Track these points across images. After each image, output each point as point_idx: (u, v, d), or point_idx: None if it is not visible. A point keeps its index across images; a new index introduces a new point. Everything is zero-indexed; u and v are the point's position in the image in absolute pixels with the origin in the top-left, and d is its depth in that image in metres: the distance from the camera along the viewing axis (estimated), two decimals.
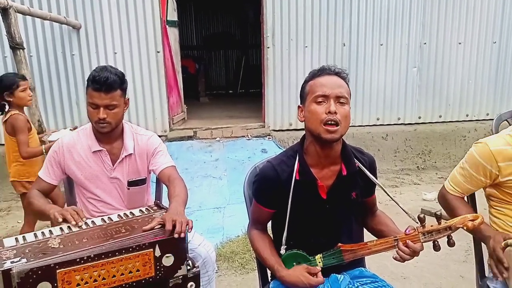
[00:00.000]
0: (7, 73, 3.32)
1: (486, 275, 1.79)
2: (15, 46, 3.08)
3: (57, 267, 1.34)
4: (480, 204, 1.87)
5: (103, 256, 1.41)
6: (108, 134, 2.00)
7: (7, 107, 2.90)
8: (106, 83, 1.86)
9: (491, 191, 1.71)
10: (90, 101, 1.90)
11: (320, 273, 1.48)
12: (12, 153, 2.92)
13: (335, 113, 1.43)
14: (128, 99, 2.04)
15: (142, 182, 2.13)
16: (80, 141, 2.03)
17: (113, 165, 2.04)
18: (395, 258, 1.44)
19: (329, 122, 1.43)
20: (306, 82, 1.55)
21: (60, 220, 1.70)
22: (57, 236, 1.55)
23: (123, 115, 2.00)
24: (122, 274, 1.45)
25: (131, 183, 2.08)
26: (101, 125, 1.92)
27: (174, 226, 1.53)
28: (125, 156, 2.04)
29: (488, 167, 1.61)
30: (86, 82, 1.93)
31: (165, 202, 2.07)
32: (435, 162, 5.32)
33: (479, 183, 1.68)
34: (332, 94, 1.45)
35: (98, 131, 1.98)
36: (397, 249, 1.43)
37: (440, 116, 5.52)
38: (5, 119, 2.86)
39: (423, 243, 1.42)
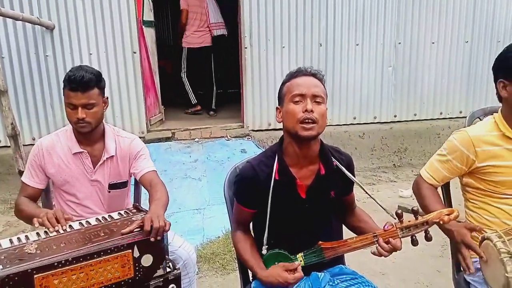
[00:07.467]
0: None
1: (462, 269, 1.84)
2: None
3: (34, 272, 1.32)
4: (455, 200, 1.92)
5: (81, 259, 1.39)
6: (89, 136, 1.97)
7: None
8: (82, 82, 1.84)
9: (468, 180, 1.76)
10: (68, 101, 1.87)
11: (299, 268, 1.49)
12: None
13: (312, 111, 1.45)
14: (107, 98, 2.02)
15: (123, 185, 2.10)
16: (60, 143, 1.99)
17: (94, 167, 2.01)
18: (373, 253, 1.47)
19: (306, 120, 1.45)
20: (283, 83, 1.58)
21: (37, 225, 1.67)
22: (33, 241, 1.52)
23: (103, 114, 1.97)
24: (101, 276, 1.44)
25: (112, 186, 2.05)
26: (81, 125, 1.89)
27: (152, 228, 1.52)
28: (107, 158, 2.02)
29: (466, 152, 1.67)
30: (62, 84, 1.90)
31: (144, 205, 2.05)
32: (411, 159, 5.42)
33: (456, 170, 1.73)
34: (309, 93, 1.48)
35: (78, 132, 1.95)
36: (377, 245, 1.45)
37: (415, 115, 5.63)
38: None
39: (401, 239, 1.45)
